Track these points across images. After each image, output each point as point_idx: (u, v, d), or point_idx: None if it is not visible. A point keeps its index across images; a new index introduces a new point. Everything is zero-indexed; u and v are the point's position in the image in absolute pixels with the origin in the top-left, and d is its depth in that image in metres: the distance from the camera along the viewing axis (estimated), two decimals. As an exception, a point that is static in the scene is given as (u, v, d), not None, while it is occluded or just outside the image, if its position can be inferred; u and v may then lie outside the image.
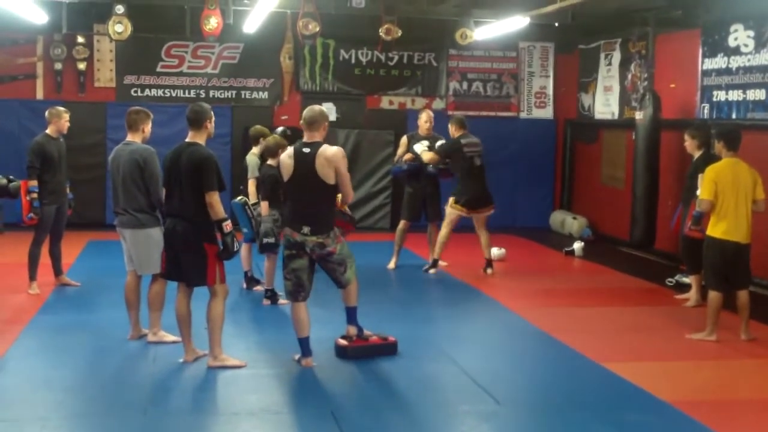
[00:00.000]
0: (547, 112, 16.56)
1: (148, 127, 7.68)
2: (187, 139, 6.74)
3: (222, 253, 6.52)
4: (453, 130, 10.97)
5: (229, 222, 6.51)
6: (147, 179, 7.45)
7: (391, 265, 11.51)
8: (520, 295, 10.26)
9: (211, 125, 6.64)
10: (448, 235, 10.93)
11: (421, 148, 10.91)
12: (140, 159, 7.46)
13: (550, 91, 16.49)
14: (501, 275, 11.54)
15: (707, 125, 10.57)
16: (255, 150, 9.53)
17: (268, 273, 9.19)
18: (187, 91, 15.12)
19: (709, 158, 9.18)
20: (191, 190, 6.46)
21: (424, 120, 11.20)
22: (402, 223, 11.28)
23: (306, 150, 6.48)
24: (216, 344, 6.84)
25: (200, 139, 6.63)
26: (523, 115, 16.42)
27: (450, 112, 14.94)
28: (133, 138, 7.67)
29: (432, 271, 11.05)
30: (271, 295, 9.31)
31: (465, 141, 10.83)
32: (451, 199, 10.98)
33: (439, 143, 11.00)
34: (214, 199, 6.39)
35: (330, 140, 7.03)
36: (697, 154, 9.69)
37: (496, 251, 12.17)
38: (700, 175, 8.89)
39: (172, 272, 6.87)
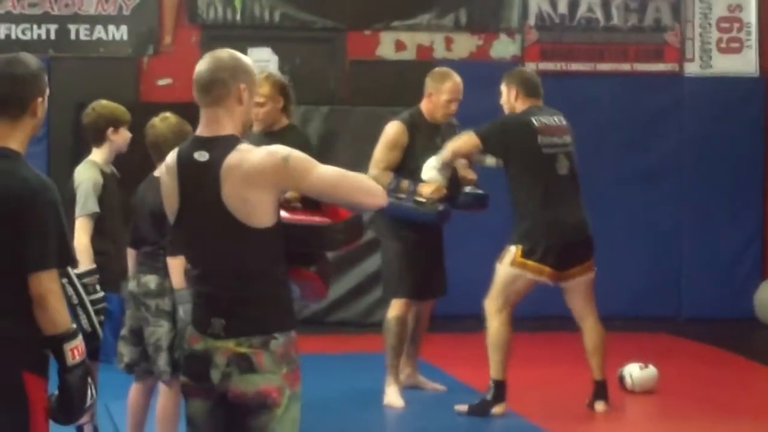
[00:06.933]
0: (744, 63, 11.69)
1: None
2: None
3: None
4: (512, 99, 7.75)
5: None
6: None
7: (395, 400, 8.09)
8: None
9: (41, 110, 4.29)
10: (507, 332, 7.87)
11: (431, 170, 7.95)
12: None
13: (751, 16, 11.55)
14: (648, 422, 8.59)
15: None
16: (98, 156, 6.89)
17: (162, 423, 6.75)
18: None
19: None
20: None
21: (448, 94, 8.02)
22: (398, 307, 8.09)
23: (201, 157, 4.25)
24: None
25: (15, 142, 4.33)
26: (692, 68, 11.60)
27: (526, 66, 10.79)
28: None
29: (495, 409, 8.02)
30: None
31: (538, 122, 7.78)
32: (513, 249, 7.77)
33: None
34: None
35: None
36: None
37: (637, 371, 8.46)
38: None
39: None
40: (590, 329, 7.91)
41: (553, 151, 7.70)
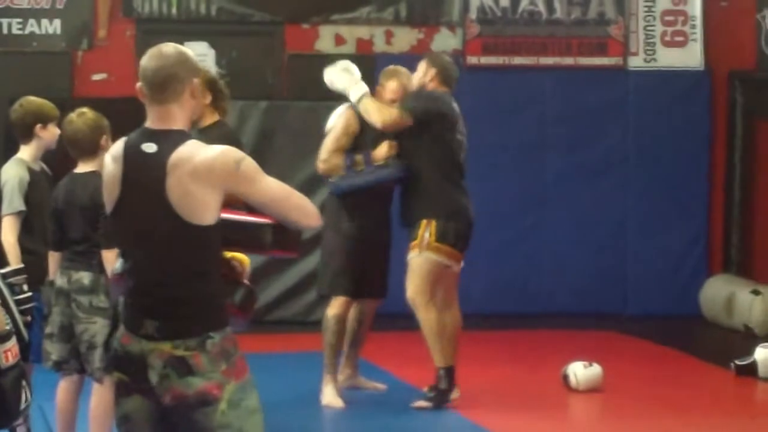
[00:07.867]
0: (689, 56, 11.83)
1: None
2: None
3: None
4: (427, 79, 8.14)
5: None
6: None
7: (333, 399, 8.16)
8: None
9: None
10: (442, 318, 8.05)
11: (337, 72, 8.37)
12: None
13: (696, 10, 11.73)
14: (593, 421, 8.75)
15: None
16: (26, 153, 7.04)
17: (96, 421, 6.70)
18: None
19: None
20: None
21: (391, 93, 8.28)
22: (338, 305, 8.22)
23: (149, 149, 4.29)
24: None
25: None
26: (636, 62, 11.77)
27: (468, 60, 11.19)
28: None
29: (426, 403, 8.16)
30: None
31: (454, 106, 8.22)
32: (426, 229, 8.03)
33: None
34: None
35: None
36: None
37: (581, 370, 8.59)
38: None
39: None
40: (454, 316, 8.13)
41: (461, 139, 7.96)
